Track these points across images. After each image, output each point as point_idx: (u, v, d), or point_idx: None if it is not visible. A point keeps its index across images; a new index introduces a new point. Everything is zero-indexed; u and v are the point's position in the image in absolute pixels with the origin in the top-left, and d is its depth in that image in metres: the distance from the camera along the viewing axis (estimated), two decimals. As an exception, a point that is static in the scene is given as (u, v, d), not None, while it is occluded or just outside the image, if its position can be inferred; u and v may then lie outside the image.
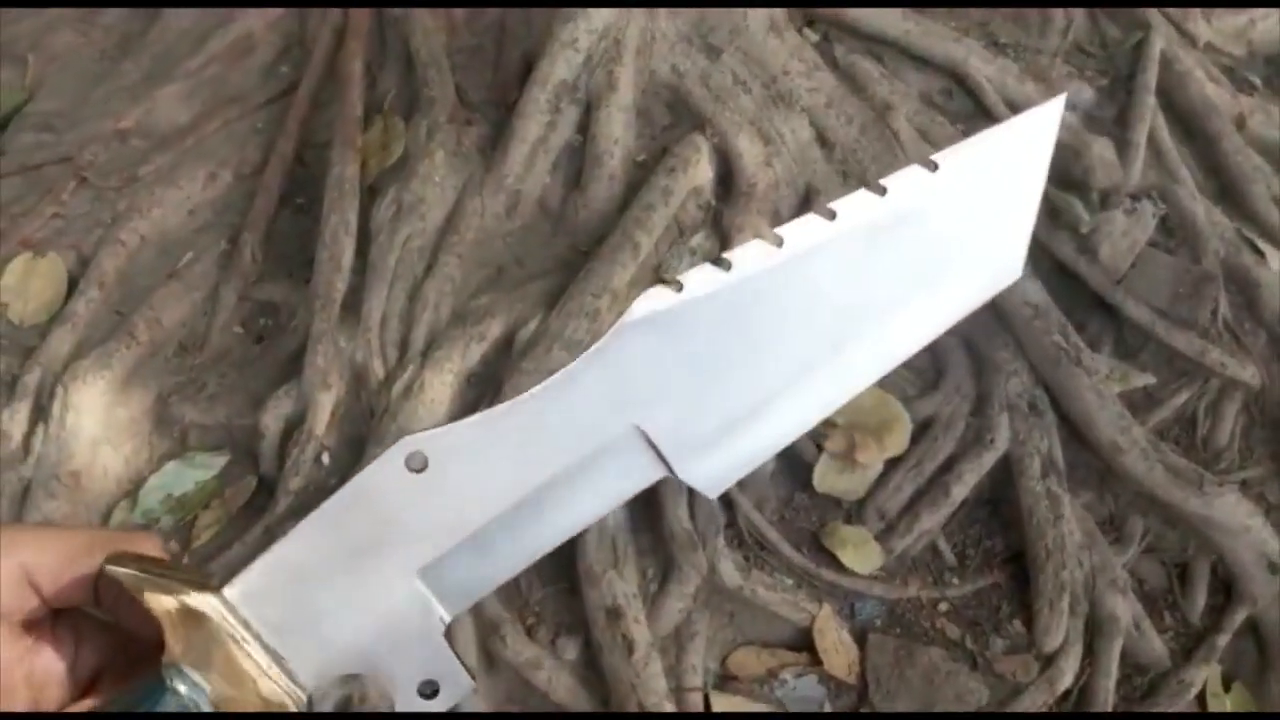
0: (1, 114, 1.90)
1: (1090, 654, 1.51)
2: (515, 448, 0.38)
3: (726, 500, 1.49)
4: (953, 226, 0.41)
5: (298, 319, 1.61)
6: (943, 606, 1.53)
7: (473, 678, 0.40)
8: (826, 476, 1.55)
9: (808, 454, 1.55)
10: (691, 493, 1.47)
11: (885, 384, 1.60)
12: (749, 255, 0.40)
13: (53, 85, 1.94)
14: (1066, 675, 1.48)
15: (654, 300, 0.39)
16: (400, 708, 0.39)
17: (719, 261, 0.39)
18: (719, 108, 1.62)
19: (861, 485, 1.56)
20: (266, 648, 0.39)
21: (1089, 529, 1.57)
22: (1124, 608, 1.53)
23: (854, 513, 1.56)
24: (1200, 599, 1.61)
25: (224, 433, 1.58)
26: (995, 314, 1.61)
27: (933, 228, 0.41)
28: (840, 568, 1.50)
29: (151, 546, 0.41)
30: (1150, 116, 1.77)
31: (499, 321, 1.52)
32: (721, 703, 1.40)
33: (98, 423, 1.55)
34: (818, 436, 1.57)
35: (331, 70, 1.82)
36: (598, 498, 0.40)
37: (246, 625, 0.38)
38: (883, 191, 0.40)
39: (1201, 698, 1.54)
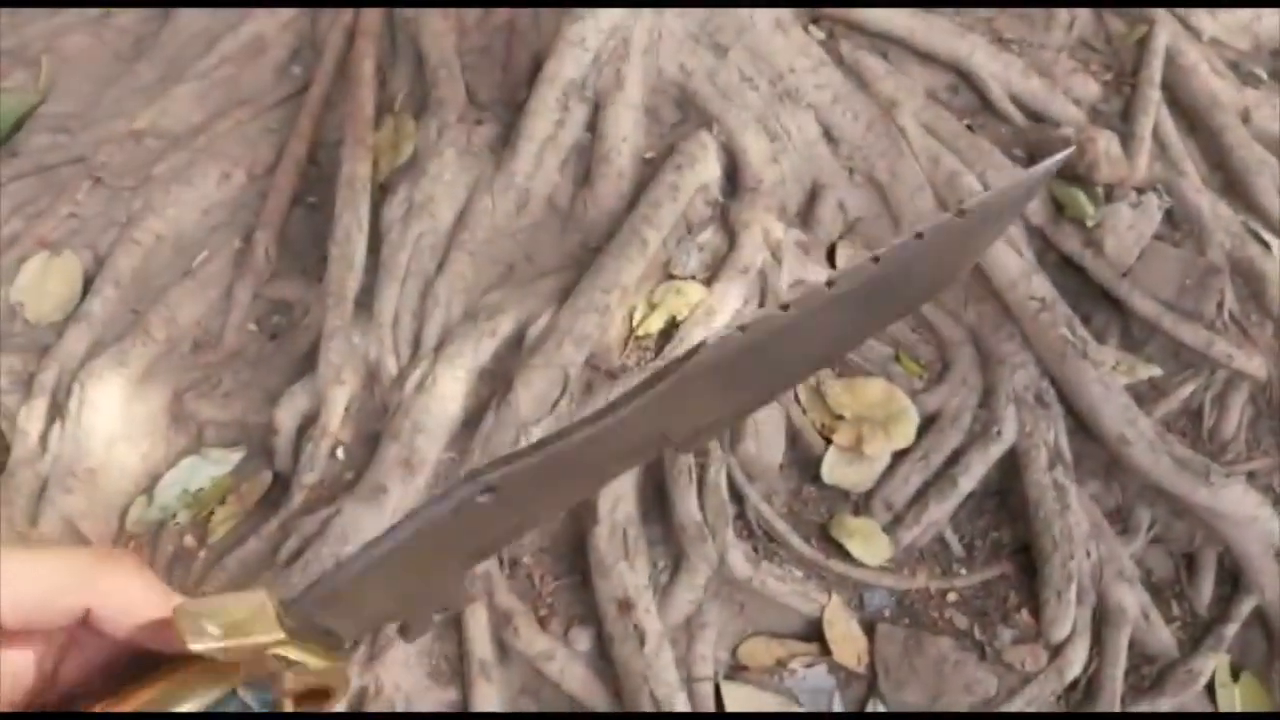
0: (17, 116, 1.93)
1: (1098, 644, 1.52)
2: (572, 470, 0.45)
3: (736, 492, 1.51)
4: (956, 254, 0.49)
5: (311, 316, 1.63)
6: (951, 597, 1.54)
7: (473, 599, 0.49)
8: (835, 469, 1.56)
9: (816, 447, 1.57)
10: (701, 486, 1.49)
11: (892, 377, 1.62)
12: (804, 299, 0.45)
13: (67, 87, 1.97)
14: (1075, 665, 1.49)
15: (720, 345, 0.45)
16: (413, 626, 0.46)
17: (782, 305, 0.45)
18: (726, 105, 1.63)
19: (869, 477, 1.58)
20: (317, 630, 0.43)
21: (1096, 520, 1.58)
22: (1131, 598, 1.54)
23: (862, 504, 1.57)
24: (1207, 589, 1.62)
25: (239, 429, 1.60)
26: (1001, 307, 1.62)
27: (944, 261, 0.48)
28: (849, 559, 1.52)
29: (135, 569, 0.42)
30: (1155, 110, 1.78)
31: (510, 318, 1.54)
32: (732, 692, 1.42)
33: (114, 420, 1.57)
34: (826, 430, 1.58)
35: (343, 71, 1.83)
36: (617, 474, 0.48)
37: (299, 627, 0.42)
38: (919, 235, 0.46)
39: (1210, 687, 1.55)
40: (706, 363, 0.44)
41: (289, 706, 0.43)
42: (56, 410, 1.58)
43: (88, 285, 1.69)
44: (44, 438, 1.57)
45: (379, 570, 0.44)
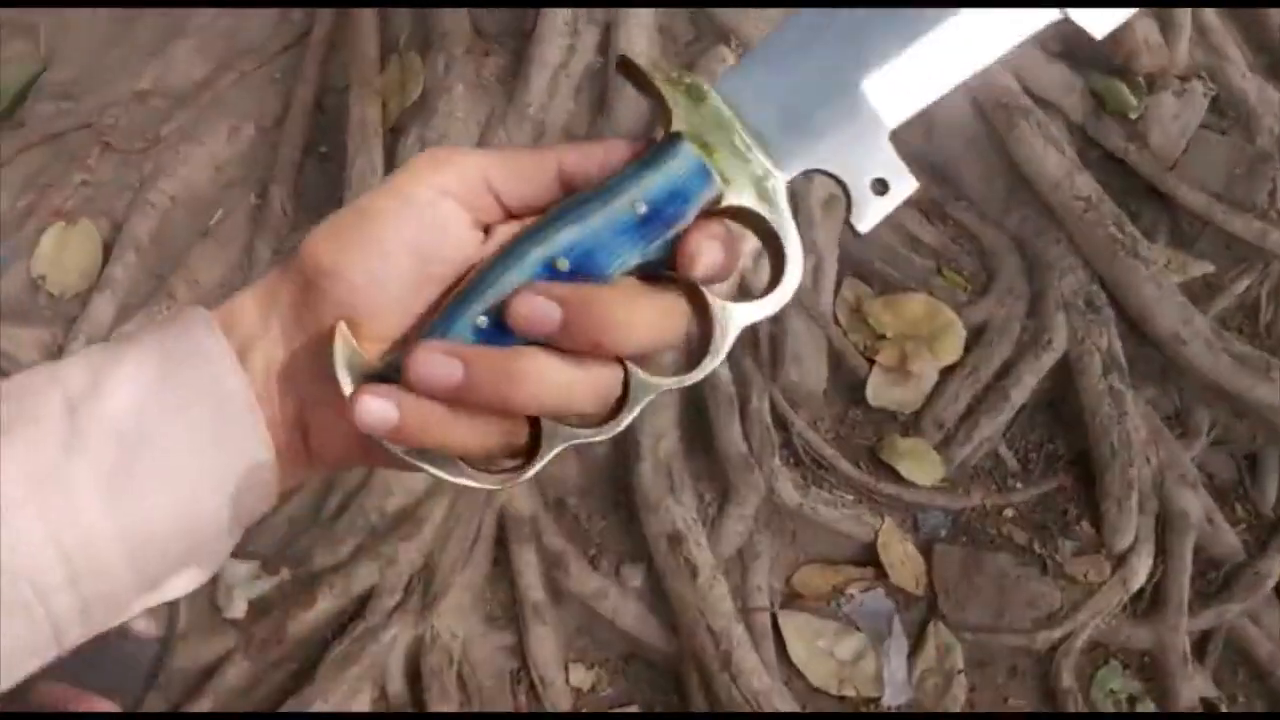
0: (20, 86, 1.88)
1: (1162, 551, 1.48)
2: None
3: (780, 420, 1.47)
4: None
5: (333, 268, 1.59)
6: (1008, 513, 1.50)
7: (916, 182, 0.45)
8: (880, 390, 1.52)
9: (859, 369, 1.52)
10: (744, 415, 1.45)
11: (934, 291, 1.56)
12: None
13: (67, 52, 1.92)
14: (1140, 574, 1.46)
15: None
16: (855, 203, 0.43)
17: None
18: (742, 16, 1.56)
19: (917, 396, 1.53)
20: (750, 129, 0.43)
21: (1154, 425, 1.53)
22: (1194, 502, 1.50)
23: (911, 425, 1.53)
24: (1272, 489, 1.58)
25: (270, 388, 1.57)
26: (1045, 210, 1.56)
27: None
28: (901, 481, 1.48)
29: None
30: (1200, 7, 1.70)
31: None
32: (789, 621, 1.40)
33: (145, 386, 1.55)
34: (869, 351, 1.54)
35: (344, 13, 1.77)
36: (1002, 34, 0.46)
37: (733, 109, 0.43)
38: None
39: (1279, 588, 1.51)
40: None
41: None
42: (87, 381, 1.56)
43: (107, 253, 1.66)
44: (77, 409, 1.55)
45: (778, 61, 0.44)
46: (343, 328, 0.40)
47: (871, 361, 1.52)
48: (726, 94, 0.43)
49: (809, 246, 1.52)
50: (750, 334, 1.47)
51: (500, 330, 0.40)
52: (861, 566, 1.45)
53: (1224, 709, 1.45)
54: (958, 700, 1.39)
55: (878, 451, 1.50)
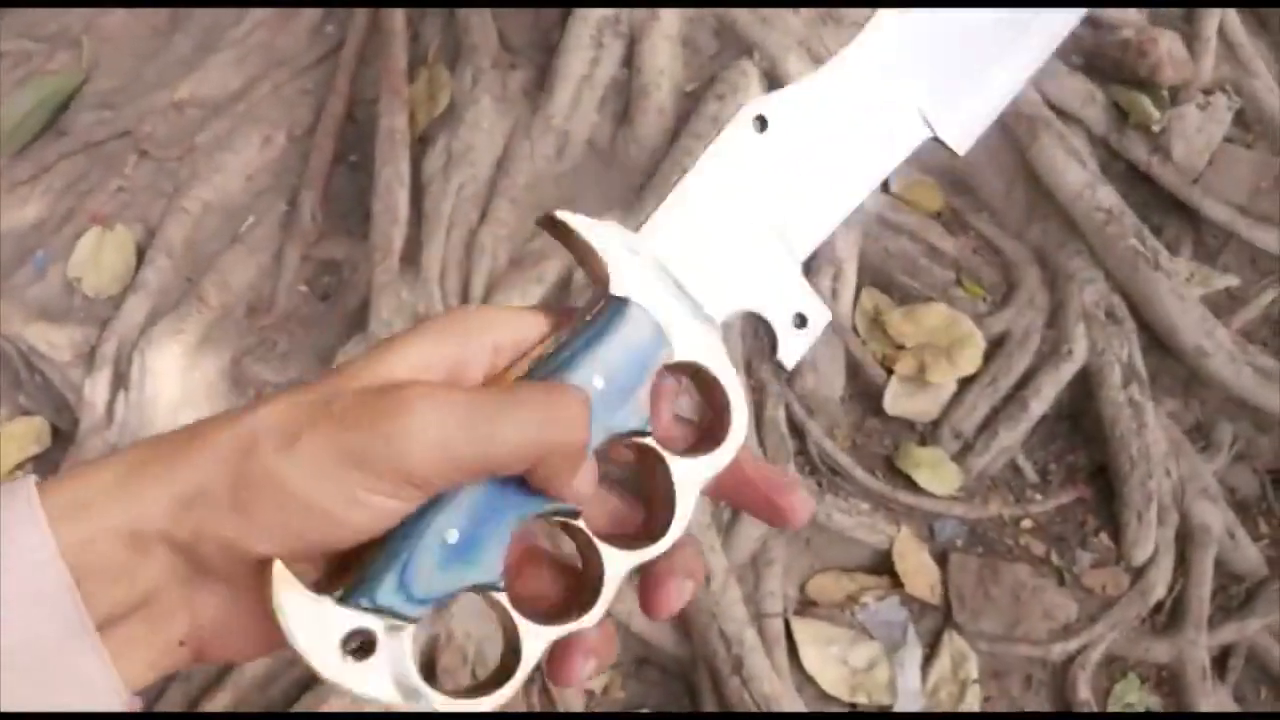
0: (62, 97, 1.94)
1: (1183, 565, 1.47)
2: (838, 110, 0.45)
3: (796, 428, 1.48)
4: None
5: (360, 274, 1.62)
6: (1026, 524, 1.50)
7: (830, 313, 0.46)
8: (898, 399, 1.52)
9: (877, 378, 1.53)
10: (760, 421, 1.46)
11: (954, 301, 1.56)
12: None
13: (108, 64, 1.98)
14: (1158, 587, 1.45)
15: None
16: (781, 340, 0.44)
17: None
18: (766, 30, 1.58)
19: (934, 406, 1.53)
20: (679, 279, 0.42)
21: (1175, 438, 1.52)
22: (1215, 516, 1.49)
23: (929, 434, 1.53)
24: (1296, 505, 1.56)
25: (297, 390, 1.60)
26: (1066, 221, 1.56)
27: None
28: (917, 490, 1.48)
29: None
30: (1220, 7, 1.69)
31: (555, 263, 1.52)
32: (802, 628, 1.40)
33: (176, 386, 1.59)
34: (887, 360, 1.54)
35: (375, 26, 1.82)
36: (882, 161, 0.47)
37: (662, 260, 0.42)
38: None
39: (1302, 605, 1.49)
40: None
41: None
42: (120, 380, 1.60)
43: (141, 257, 1.71)
44: (110, 407, 1.59)
45: (691, 214, 0.43)
46: (280, 570, 0.35)
47: (889, 370, 1.53)
48: (653, 243, 0.42)
49: (830, 256, 1.53)
50: (768, 340, 1.48)
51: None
52: (876, 575, 1.45)
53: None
54: (972, 710, 1.38)
55: (894, 460, 1.51)
